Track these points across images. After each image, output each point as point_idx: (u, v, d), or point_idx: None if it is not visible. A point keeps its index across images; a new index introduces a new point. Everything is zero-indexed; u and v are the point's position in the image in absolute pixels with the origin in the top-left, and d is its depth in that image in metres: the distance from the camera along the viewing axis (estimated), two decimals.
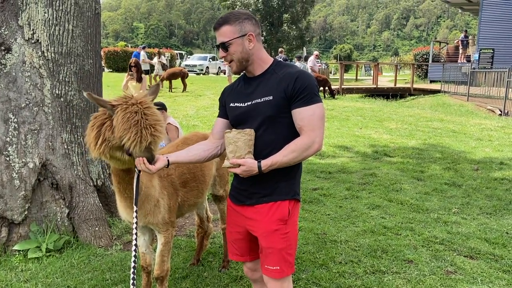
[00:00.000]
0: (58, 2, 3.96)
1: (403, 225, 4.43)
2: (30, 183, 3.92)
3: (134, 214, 2.22)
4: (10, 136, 3.86)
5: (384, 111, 13.39)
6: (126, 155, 2.18)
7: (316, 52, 18.68)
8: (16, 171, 3.88)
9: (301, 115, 2.07)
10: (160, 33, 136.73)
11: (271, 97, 2.10)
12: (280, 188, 2.17)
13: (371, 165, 6.99)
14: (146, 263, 2.87)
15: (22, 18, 3.85)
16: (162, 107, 5.70)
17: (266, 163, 2.06)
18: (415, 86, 20.41)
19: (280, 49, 19.60)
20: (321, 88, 17.27)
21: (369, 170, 6.62)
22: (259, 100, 2.13)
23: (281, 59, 15.70)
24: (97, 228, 4.13)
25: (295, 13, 28.96)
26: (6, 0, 3.84)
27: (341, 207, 4.98)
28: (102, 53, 34.04)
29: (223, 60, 2.18)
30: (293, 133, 2.13)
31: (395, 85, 21.24)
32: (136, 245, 2.22)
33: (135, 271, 2.19)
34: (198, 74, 32.16)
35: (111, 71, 30.88)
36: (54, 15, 3.96)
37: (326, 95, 17.05)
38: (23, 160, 3.90)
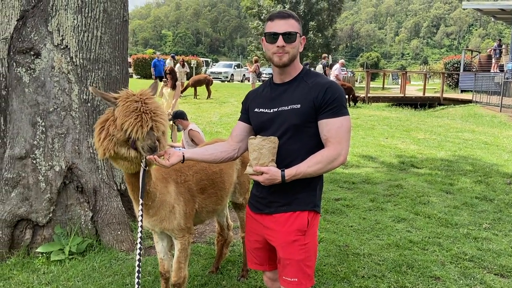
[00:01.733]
0: (87, 9, 4.03)
1: (431, 239, 4.27)
2: (56, 186, 3.98)
3: (140, 207, 2.20)
4: (38, 140, 3.94)
5: (411, 120, 13.11)
6: (132, 150, 2.15)
7: (341, 61, 18.52)
8: (42, 174, 3.94)
9: (329, 126, 2.04)
10: (187, 41, 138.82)
11: (298, 105, 2.07)
12: (299, 199, 2.12)
13: (397, 176, 6.82)
14: (164, 269, 2.85)
15: (51, 24, 3.94)
16: (181, 115, 5.78)
17: (290, 172, 2.02)
18: (445, 95, 19.92)
19: (324, 55, 19.54)
20: (346, 96, 17.10)
21: (395, 182, 6.45)
22: (285, 108, 2.09)
23: (322, 65, 15.64)
24: (119, 232, 4.15)
25: (321, 21, 28.84)
26: (36, 6, 3.95)
27: (364, 218, 4.86)
28: (131, 60, 34.90)
29: (276, 49, 2.07)
30: (317, 144, 2.09)
31: (423, 94, 20.80)
32: (141, 242, 2.19)
33: (140, 269, 2.17)
34: (223, 81, 32.44)
35: (139, 78, 31.49)
36: (83, 22, 4.03)
37: (350, 103, 16.87)
38: (50, 163, 3.97)
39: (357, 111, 14.98)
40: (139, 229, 2.22)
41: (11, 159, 3.93)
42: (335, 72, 17.63)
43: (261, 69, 23.08)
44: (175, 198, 2.60)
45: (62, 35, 3.98)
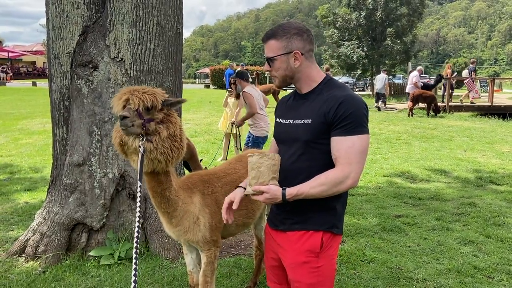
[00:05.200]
0: (141, 22, 4.18)
1: (499, 266, 3.77)
2: (109, 193, 4.15)
3: (138, 189, 2.16)
4: (94, 148, 4.14)
5: (497, 131, 11.95)
6: (137, 139, 2.14)
7: (420, 67, 17.53)
8: (97, 181, 4.14)
9: (338, 145, 1.85)
10: None
11: (310, 120, 1.91)
12: (314, 218, 1.95)
13: (471, 193, 6.19)
14: (193, 283, 2.81)
15: (109, 38, 4.14)
16: (241, 75, 6.24)
17: (291, 192, 1.86)
18: None
19: (472, 60, 19.10)
20: (425, 105, 16.10)
21: (468, 199, 5.86)
22: (299, 121, 1.96)
23: (468, 70, 15.35)
24: (166, 240, 4.22)
25: (400, 27, 27.56)
26: (96, 21, 4.19)
27: (426, 239, 4.44)
28: (209, 71, 36.20)
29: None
30: (331, 162, 1.91)
31: None
32: (138, 231, 2.13)
33: (137, 267, 2.11)
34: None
35: (216, 88, 32.55)
36: (138, 35, 4.18)
37: (430, 113, 15.83)
38: (104, 170, 4.15)
39: (434, 121, 14.02)
40: (137, 213, 2.17)
41: (70, 165, 4.17)
42: (414, 80, 16.78)
43: (335, 78, 22.72)
44: (200, 209, 2.55)
45: (118, 49, 4.16)
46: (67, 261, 3.94)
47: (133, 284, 2.03)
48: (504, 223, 4.89)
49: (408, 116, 15.36)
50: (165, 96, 2.25)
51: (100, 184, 4.14)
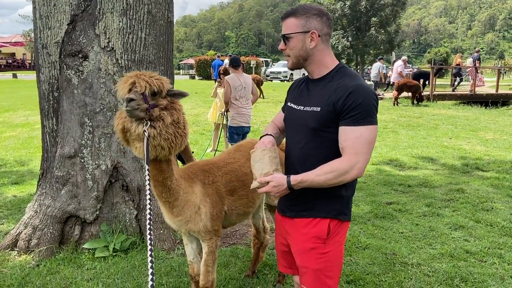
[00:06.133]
0: (132, 11, 4.10)
1: (490, 250, 3.87)
2: (102, 184, 4.10)
3: (146, 172, 2.13)
4: (85, 139, 4.08)
5: (480, 119, 12.18)
6: (140, 125, 2.10)
7: (404, 57, 17.73)
8: (90, 173, 4.08)
9: (346, 135, 1.84)
10: (249, 42, 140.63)
11: (318, 108, 1.90)
12: (321, 205, 1.97)
13: (458, 179, 6.31)
14: (194, 272, 2.81)
15: (99, 27, 4.05)
16: (232, 61, 6.34)
17: (296, 178, 1.87)
18: None
19: (476, 49, 19.17)
20: (410, 94, 16.30)
21: (455, 185, 5.97)
22: (308, 109, 1.95)
23: (472, 59, 15.46)
24: (161, 231, 4.20)
25: (384, 17, 27.73)
26: (85, 10, 4.09)
27: (417, 225, 4.52)
28: (194, 62, 35.85)
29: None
30: (338, 150, 1.91)
31: (496, 91, 19.25)
32: (150, 219, 2.06)
33: (152, 253, 2.08)
34: (282, 81, 32.32)
35: (201, 79, 32.29)
36: (128, 24, 4.10)
37: (414, 102, 16.04)
38: (96, 162, 4.09)
39: (419, 110, 14.21)
40: (147, 196, 2.11)
41: (61, 157, 4.10)
42: (399, 69, 16.97)
43: None
44: (201, 199, 2.54)
45: (109, 38, 4.07)
46: (60, 254, 3.89)
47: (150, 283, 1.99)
48: (492, 208, 5.01)
49: (393, 105, 15.52)
50: (170, 85, 2.22)
51: (93, 176, 4.09)
